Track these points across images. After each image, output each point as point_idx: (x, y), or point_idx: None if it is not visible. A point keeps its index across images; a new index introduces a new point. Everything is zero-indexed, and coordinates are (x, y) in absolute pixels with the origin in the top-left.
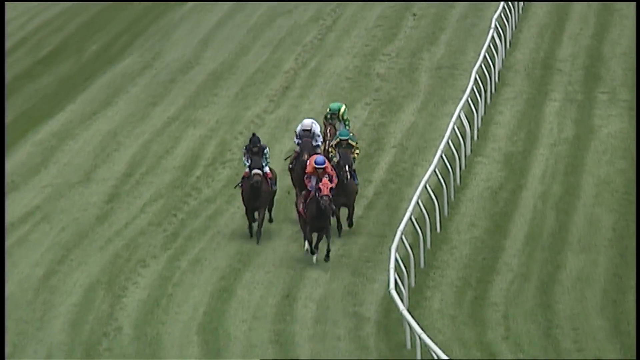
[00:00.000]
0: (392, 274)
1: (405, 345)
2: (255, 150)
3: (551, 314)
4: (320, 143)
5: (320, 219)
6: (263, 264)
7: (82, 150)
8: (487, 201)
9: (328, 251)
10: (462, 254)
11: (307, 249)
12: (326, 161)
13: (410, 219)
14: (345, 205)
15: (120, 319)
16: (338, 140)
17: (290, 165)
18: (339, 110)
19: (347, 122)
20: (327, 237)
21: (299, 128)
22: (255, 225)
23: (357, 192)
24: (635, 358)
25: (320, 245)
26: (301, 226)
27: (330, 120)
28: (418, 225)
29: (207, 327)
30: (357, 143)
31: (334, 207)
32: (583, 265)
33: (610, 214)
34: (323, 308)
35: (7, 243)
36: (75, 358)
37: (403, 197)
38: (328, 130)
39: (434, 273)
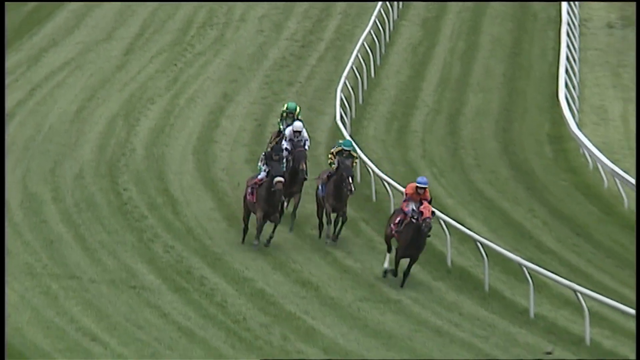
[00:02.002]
0: (338, 109)
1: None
2: (275, 158)
3: (457, 138)
4: (307, 147)
5: (416, 244)
6: (242, 101)
7: (105, 15)
8: (409, 54)
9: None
10: (391, 93)
11: (387, 270)
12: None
13: (352, 67)
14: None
15: (134, 142)
16: (340, 149)
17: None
18: (296, 109)
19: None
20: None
21: (288, 131)
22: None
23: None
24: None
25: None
26: (386, 240)
27: (285, 120)
28: (357, 72)
29: (199, 148)
30: (356, 153)
31: (430, 228)
32: (481, 102)
33: (501, 64)
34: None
35: (50, 86)
36: (100, 173)
37: (346, 52)
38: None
39: (370, 108)
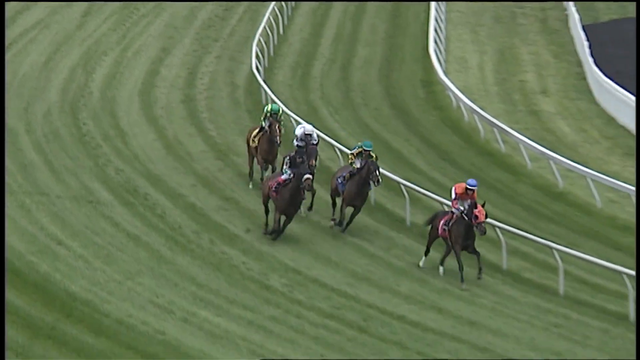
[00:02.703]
0: (254, 60)
1: (261, 101)
2: (299, 160)
3: (348, 83)
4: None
5: (467, 240)
6: (177, 53)
7: None
8: (310, 16)
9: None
10: (296, 47)
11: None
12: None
13: (265, 27)
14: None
15: (91, 86)
16: (361, 149)
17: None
18: (278, 111)
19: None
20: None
21: (300, 131)
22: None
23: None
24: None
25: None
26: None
27: (268, 119)
28: (269, 30)
29: (143, 91)
30: (374, 153)
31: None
32: (367, 54)
33: (384, 24)
34: (212, 81)
35: (24, 41)
36: (64, 111)
37: (260, 14)
38: (277, 128)
39: (279, 59)
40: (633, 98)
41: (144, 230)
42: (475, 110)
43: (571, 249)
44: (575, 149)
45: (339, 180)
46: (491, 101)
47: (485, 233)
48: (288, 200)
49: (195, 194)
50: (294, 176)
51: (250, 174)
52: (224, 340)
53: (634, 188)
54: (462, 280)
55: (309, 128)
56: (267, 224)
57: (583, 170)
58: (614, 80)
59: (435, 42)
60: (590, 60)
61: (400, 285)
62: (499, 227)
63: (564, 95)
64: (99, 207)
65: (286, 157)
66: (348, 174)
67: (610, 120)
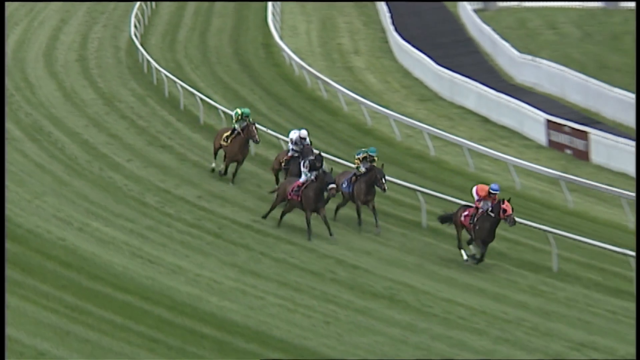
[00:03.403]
0: (132, 28)
1: (142, 70)
2: (318, 165)
3: (205, 46)
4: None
5: (490, 236)
6: (73, 23)
7: None
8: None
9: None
10: (165, 18)
11: (467, 257)
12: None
13: (141, 3)
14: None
15: (6, 50)
16: (366, 155)
17: (285, 165)
18: (249, 114)
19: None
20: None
21: (295, 136)
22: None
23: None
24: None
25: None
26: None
27: (240, 122)
28: (144, 5)
29: (46, 53)
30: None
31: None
32: (220, 23)
33: (233, 2)
34: (100, 44)
35: None
36: None
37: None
38: (254, 128)
39: (152, 27)
40: (424, 56)
41: (47, 160)
42: (303, 66)
43: None
44: (380, 95)
45: (344, 184)
46: (316, 59)
47: (515, 224)
48: (314, 199)
49: (88, 132)
50: (315, 178)
51: (226, 170)
52: (111, 245)
53: (426, 125)
54: (476, 261)
55: (304, 133)
56: (268, 212)
57: (386, 112)
58: (410, 43)
59: (273, 14)
60: (392, 27)
61: (247, 201)
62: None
63: (371, 54)
64: (12, 143)
65: (305, 161)
66: (354, 177)
67: (407, 74)
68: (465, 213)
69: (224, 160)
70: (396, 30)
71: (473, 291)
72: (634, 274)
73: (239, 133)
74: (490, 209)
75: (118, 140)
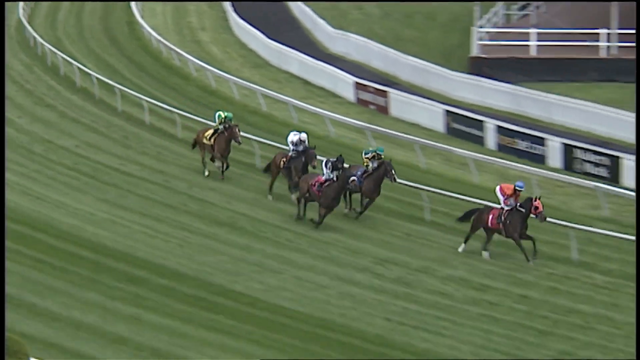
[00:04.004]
0: (21, 10)
1: (29, 44)
2: (340, 166)
3: (81, 24)
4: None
5: (522, 228)
6: None
7: None
8: None
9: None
10: (45, 4)
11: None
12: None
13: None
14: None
15: None
16: (375, 154)
17: (286, 164)
18: (232, 118)
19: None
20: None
21: (295, 138)
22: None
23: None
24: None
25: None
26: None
27: (223, 124)
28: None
29: None
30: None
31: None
32: (92, 6)
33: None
34: None
35: None
36: None
37: None
38: (237, 130)
39: (37, 10)
40: (257, 31)
41: None
42: (160, 40)
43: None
44: (222, 63)
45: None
46: (170, 35)
47: (545, 219)
48: (332, 197)
49: None
50: (337, 178)
51: (204, 164)
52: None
53: (259, 87)
54: (527, 259)
55: (304, 136)
56: (299, 212)
57: (227, 77)
58: (246, 21)
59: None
60: (231, 9)
61: (115, 149)
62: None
63: (214, 31)
64: None
65: (327, 161)
66: (361, 173)
67: (243, 46)
68: (491, 216)
69: (205, 157)
70: (235, 11)
71: (298, 220)
72: (424, 203)
73: (222, 132)
74: (519, 204)
75: (10, 101)
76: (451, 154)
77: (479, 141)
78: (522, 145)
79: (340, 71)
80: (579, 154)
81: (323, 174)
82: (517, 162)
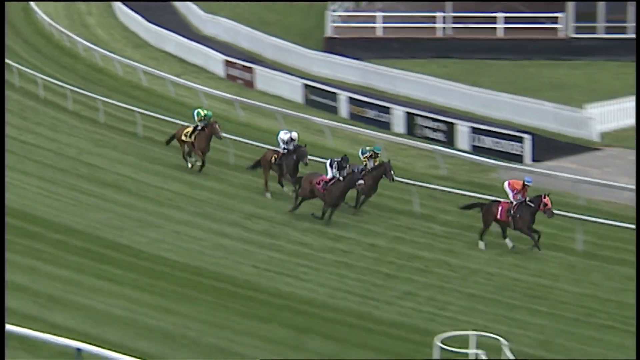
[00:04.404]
0: None
1: None
2: (344, 165)
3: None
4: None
5: (532, 223)
6: None
7: None
8: None
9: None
10: None
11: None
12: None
13: None
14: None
15: None
16: (372, 153)
17: (277, 161)
18: (212, 116)
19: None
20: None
21: (287, 137)
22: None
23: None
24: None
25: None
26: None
27: (202, 121)
28: None
29: None
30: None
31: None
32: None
33: None
34: None
35: None
36: None
37: None
38: (218, 127)
39: None
40: (138, 15)
41: None
42: (52, 24)
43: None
44: (107, 44)
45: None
46: (61, 19)
47: (553, 215)
48: (337, 196)
49: None
50: (343, 178)
51: (186, 159)
52: None
53: (140, 65)
54: (538, 247)
55: (295, 135)
56: (295, 207)
57: (112, 56)
58: (128, 7)
59: None
60: None
61: (13, 119)
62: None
63: (100, 15)
64: None
65: (333, 161)
66: (363, 172)
67: (126, 28)
68: (500, 208)
69: (186, 152)
70: None
71: (177, 181)
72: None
73: (202, 130)
74: (528, 199)
75: None
76: (309, 122)
77: (333, 110)
78: (371, 113)
79: (211, 50)
80: (419, 121)
81: (327, 174)
82: (366, 129)
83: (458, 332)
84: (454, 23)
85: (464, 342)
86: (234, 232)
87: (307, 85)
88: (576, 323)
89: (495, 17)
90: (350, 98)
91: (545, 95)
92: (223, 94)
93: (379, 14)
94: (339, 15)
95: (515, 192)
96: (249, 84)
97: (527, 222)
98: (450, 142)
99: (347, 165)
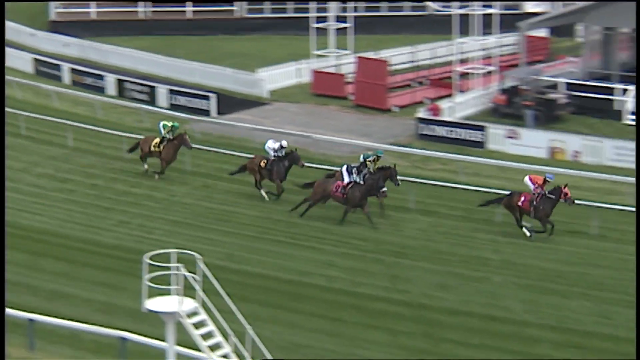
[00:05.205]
0: None
1: None
2: (357, 172)
3: None
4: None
5: (551, 214)
6: None
7: None
8: None
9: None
10: None
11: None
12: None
13: None
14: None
15: None
16: (376, 157)
17: (267, 167)
18: (178, 127)
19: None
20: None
21: (276, 145)
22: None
23: None
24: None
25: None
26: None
27: (170, 132)
28: None
29: None
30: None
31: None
32: None
33: None
34: None
35: None
36: None
37: None
38: (186, 137)
39: None
40: None
41: None
42: None
43: None
44: None
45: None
46: None
47: (574, 203)
48: (360, 197)
49: None
50: (364, 182)
51: (144, 160)
52: None
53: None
54: (551, 233)
55: (284, 143)
56: (298, 206)
57: None
58: None
59: None
60: None
61: None
62: None
63: None
64: None
65: (349, 167)
66: (365, 174)
67: None
68: (523, 199)
69: (161, 163)
70: None
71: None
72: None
73: (170, 140)
74: (548, 191)
75: None
76: (39, 89)
77: (58, 79)
78: (89, 80)
79: None
80: (128, 85)
81: (343, 179)
82: (85, 93)
83: (162, 251)
84: (153, 7)
85: (167, 259)
86: None
87: (36, 59)
88: (254, 239)
89: (185, 1)
90: (72, 69)
91: (226, 62)
92: None
93: (92, 2)
94: (61, 3)
95: (536, 185)
96: None
97: (548, 213)
98: (152, 101)
99: (361, 171)
